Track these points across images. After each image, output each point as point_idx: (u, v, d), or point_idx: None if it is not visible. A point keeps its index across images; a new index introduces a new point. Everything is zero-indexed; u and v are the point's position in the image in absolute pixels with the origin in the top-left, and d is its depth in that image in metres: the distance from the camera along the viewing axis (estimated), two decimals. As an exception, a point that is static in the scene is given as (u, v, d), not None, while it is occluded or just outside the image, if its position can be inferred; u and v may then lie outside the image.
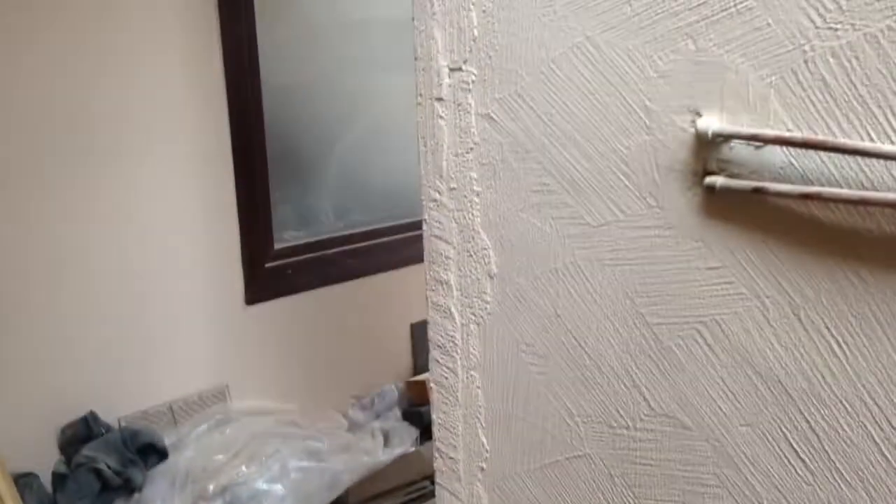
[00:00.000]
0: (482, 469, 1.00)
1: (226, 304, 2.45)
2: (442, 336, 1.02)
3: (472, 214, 0.93)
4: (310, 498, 1.99)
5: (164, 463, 2.09)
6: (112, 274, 2.23)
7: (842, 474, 0.64)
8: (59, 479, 2.05)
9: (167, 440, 2.15)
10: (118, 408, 2.24)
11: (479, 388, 0.98)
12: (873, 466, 0.62)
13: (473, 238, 0.94)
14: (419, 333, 2.82)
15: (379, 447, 2.30)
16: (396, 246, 2.75)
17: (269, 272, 2.52)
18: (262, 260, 2.50)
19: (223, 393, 2.42)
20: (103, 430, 2.12)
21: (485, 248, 0.93)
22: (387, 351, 2.80)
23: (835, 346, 0.64)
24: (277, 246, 2.56)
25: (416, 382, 2.69)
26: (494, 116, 0.85)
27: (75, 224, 2.15)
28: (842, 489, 0.64)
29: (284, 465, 2.01)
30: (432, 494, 1.14)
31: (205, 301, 2.41)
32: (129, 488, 2.03)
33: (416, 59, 0.90)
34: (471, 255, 0.95)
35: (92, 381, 2.21)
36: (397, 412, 2.53)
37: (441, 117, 0.91)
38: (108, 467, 1.95)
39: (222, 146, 2.38)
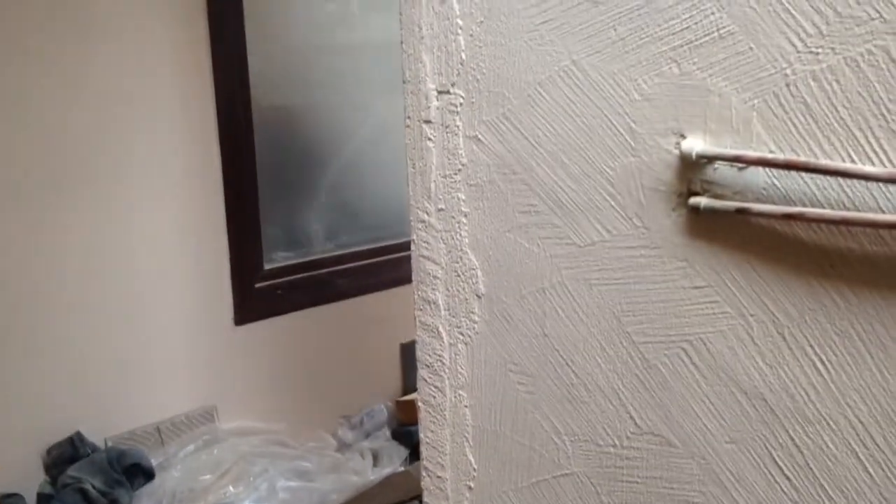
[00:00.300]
0: (470, 488, 1.00)
1: (215, 324, 2.44)
2: (430, 355, 1.02)
3: (460, 235, 0.93)
4: (297, 518, 1.98)
5: (151, 483, 2.07)
6: (100, 294, 2.22)
7: (826, 491, 0.65)
8: (44, 499, 2.04)
9: (154, 461, 2.14)
10: (105, 428, 2.22)
11: (466, 407, 0.99)
12: (857, 483, 0.63)
13: (461, 258, 0.94)
14: (409, 353, 2.82)
15: (368, 467, 2.29)
16: (386, 266, 2.76)
17: (258, 293, 2.51)
18: (251, 280, 2.50)
19: (211, 413, 2.40)
20: (89, 451, 2.10)
21: (472, 269, 0.93)
22: (376, 371, 2.80)
23: (818, 364, 0.64)
24: (267, 266, 2.56)
25: (406, 402, 2.68)
26: (482, 138, 0.86)
27: (63, 244, 2.15)
28: (826, 506, 0.65)
29: (272, 486, 2.00)
30: (421, 514, 1.14)
31: (193, 322, 2.40)
32: (116, 509, 2.01)
33: (404, 82, 0.91)
34: (459, 275, 0.95)
35: (78, 401, 2.19)
36: (387, 432, 2.53)
37: (429, 139, 0.91)
38: (94, 488, 1.93)
39: (212, 168, 2.39)
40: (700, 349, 0.72)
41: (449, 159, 0.90)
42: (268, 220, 2.54)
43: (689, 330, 0.73)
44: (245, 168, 2.46)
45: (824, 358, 0.64)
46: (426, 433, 1.08)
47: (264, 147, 2.51)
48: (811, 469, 0.66)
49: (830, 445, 0.64)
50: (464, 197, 0.91)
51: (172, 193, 2.32)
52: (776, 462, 0.68)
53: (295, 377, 2.61)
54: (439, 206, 0.94)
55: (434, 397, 1.03)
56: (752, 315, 0.68)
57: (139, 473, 2.08)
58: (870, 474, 0.62)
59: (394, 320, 2.74)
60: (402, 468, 2.35)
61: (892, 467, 0.61)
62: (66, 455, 2.09)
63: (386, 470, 2.28)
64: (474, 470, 0.99)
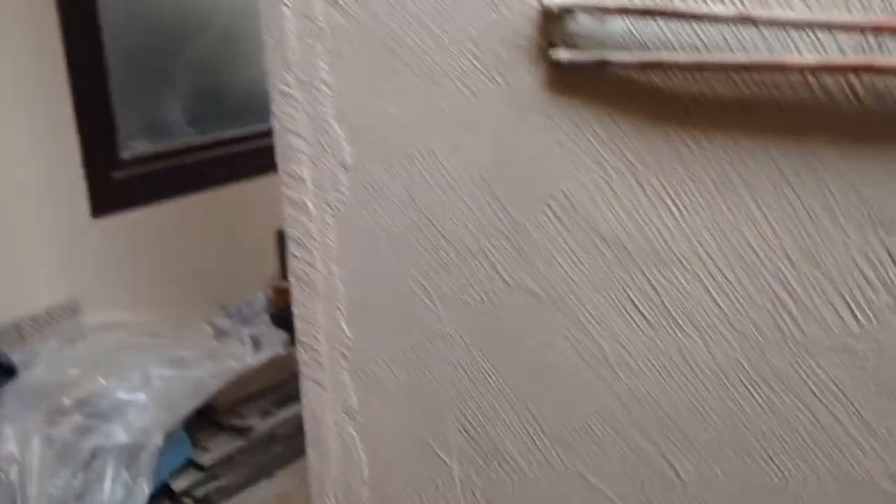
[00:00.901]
0: (345, 356, 1.01)
1: (69, 217, 2.33)
2: (299, 231, 1.01)
3: (323, 105, 0.91)
4: (174, 404, 1.97)
5: (13, 381, 1.99)
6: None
7: (680, 326, 0.69)
8: None
9: (14, 359, 2.04)
10: (-44, 329, 2.11)
11: (338, 279, 0.98)
12: (707, 315, 0.67)
13: (326, 130, 0.92)
14: (284, 240, 2.79)
15: (248, 352, 2.29)
16: (257, 153, 2.67)
17: (117, 183, 2.40)
18: (107, 171, 2.38)
19: (74, 308, 2.32)
20: (-59, 353, 2.00)
21: (338, 139, 0.92)
22: (252, 259, 2.76)
23: (673, 209, 0.67)
24: (125, 155, 2.43)
25: (284, 287, 2.67)
26: (342, 2, 0.83)
27: None
28: (679, 338, 0.69)
29: (146, 375, 1.97)
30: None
31: (45, 215, 2.28)
32: (-25, 409, 1.93)
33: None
34: (324, 148, 0.93)
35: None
36: (266, 318, 2.52)
37: (285, 4, 0.87)
38: (-50, 389, 1.85)
39: (54, 55, 2.22)
40: (563, 203, 0.74)
41: (307, 25, 0.86)
42: (123, 107, 2.40)
43: (552, 185, 0.74)
44: (91, 53, 2.29)
45: (678, 202, 0.66)
46: (299, 308, 1.07)
47: (115, 31, 2.34)
48: (666, 307, 0.70)
49: (683, 283, 0.68)
50: (325, 66, 0.88)
51: (7, 83, 2.15)
52: (634, 303, 0.72)
53: (165, 268, 2.55)
54: (299, 77, 0.90)
55: (305, 272, 1.03)
56: (612, 166, 0.70)
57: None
58: (719, 306, 0.66)
59: (267, 207, 2.67)
60: (284, 351, 2.36)
61: (739, 298, 0.65)
62: (-83, 359, 1.98)
63: (266, 354, 2.29)
64: (349, 340, 1.00)
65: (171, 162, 2.53)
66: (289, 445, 2.30)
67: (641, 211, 0.69)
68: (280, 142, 0.98)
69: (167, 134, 2.57)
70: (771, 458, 0.67)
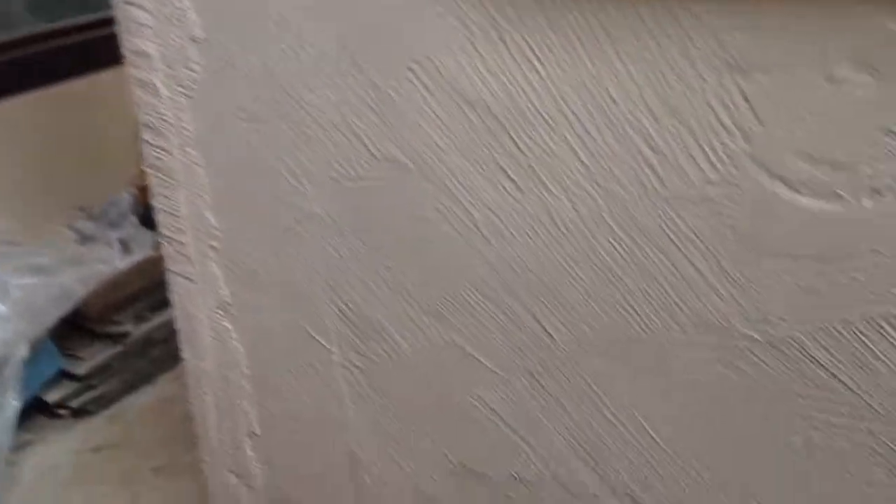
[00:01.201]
0: (213, 248, 0.96)
1: None
2: (150, 115, 0.94)
3: (166, -28, 0.83)
4: (37, 314, 1.87)
5: None
6: None
7: (546, 186, 0.68)
8: None
9: None
10: None
11: (198, 165, 0.93)
12: (573, 173, 0.67)
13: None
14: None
15: (116, 256, 2.18)
16: (111, 39, 2.48)
17: (-51, 81, 2.19)
18: (-64, 66, 2.16)
19: (-85, 219, 2.14)
20: None
21: (184, 10, 0.85)
22: (113, 157, 2.59)
23: (537, 65, 0.65)
24: (-44, 49, 2.21)
25: (147, 185, 2.54)
26: None
27: None
28: (546, 199, 0.69)
29: (3, 285, 1.85)
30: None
31: None
32: None
33: None
34: (170, 20, 0.86)
35: None
36: (134, 220, 2.39)
37: None
38: None
39: None
40: (427, 67, 0.71)
41: None
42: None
43: (416, 49, 0.71)
44: None
45: (542, 57, 0.64)
46: (159, 199, 1.02)
47: None
48: (533, 168, 0.69)
49: (549, 143, 0.67)
50: (163, -72, 0.80)
51: None
52: (501, 167, 0.70)
53: (16, 172, 2.37)
54: (136, -59, 0.82)
55: (161, 159, 0.97)
56: (475, 24, 0.67)
57: None
58: (584, 164, 0.66)
59: (124, 100, 2.52)
60: (155, 253, 2.26)
61: (603, 154, 0.65)
62: None
63: (136, 256, 2.19)
64: (216, 229, 0.96)
65: (14, 54, 2.32)
66: (167, 349, 2.24)
67: (506, 71, 0.66)
68: (122, 16, 0.90)
69: (6, 23, 2.34)
70: (636, 311, 0.68)
